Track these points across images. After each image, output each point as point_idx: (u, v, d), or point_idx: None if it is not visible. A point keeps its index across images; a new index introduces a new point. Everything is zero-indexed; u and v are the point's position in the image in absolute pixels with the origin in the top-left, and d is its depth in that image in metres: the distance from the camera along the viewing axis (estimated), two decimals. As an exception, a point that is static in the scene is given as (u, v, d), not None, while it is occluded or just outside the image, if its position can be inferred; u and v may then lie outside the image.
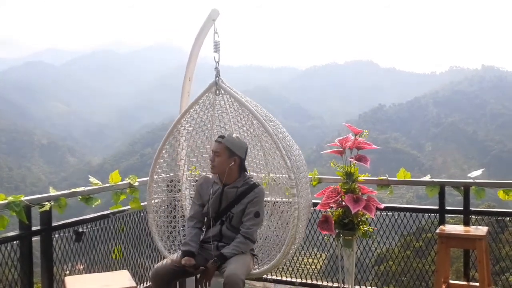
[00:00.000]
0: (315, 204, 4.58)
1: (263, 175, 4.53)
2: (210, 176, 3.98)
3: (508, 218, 4.46)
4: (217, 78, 4.09)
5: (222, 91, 4.16)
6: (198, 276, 3.65)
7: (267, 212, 4.47)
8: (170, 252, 4.16)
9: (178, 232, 4.41)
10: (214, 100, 4.34)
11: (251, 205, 3.75)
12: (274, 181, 4.42)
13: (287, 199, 4.24)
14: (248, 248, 3.79)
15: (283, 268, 5.17)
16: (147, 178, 4.34)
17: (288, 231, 3.93)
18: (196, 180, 4.29)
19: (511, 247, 4.58)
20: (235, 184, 3.81)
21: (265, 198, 4.35)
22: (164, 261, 3.70)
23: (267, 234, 4.39)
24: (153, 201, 4.33)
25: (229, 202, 3.80)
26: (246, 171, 3.95)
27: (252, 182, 3.84)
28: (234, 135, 3.93)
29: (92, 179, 4.40)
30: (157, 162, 4.30)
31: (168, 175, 4.50)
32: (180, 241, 4.30)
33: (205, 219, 3.94)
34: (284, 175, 4.23)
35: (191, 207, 4.02)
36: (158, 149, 4.29)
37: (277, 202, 4.43)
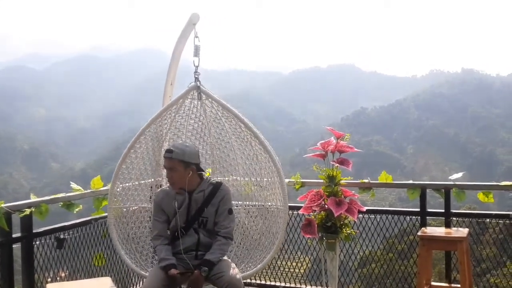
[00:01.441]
0: (298, 208, 4.59)
1: (248, 179, 4.42)
2: (168, 189, 3.78)
3: (488, 220, 4.51)
4: (197, 82, 4.07)
5: (204, 96, 4.13)
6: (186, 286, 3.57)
7: (251, 216, 4.43)
8: (137, 267, 4.06)
9: (145, 243, 4.25)
10: (196, 104, 4.31)
11: (222, 203, 3.69)
12: (257, 185, 4.36)
13: (269, 203, 4.23)
14: (229, 247, 3.76)
15: (267, 272, 5.17)
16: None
17: (277, 235, 3.95)
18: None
19: (491, 248, 4.63)
20: (200, 188, 3.70)
21: (250, 203, 4.34)
22: (149, 283, 3.44)
23: (248, 239, 4.34)
24: (121, 210, 4.18)
25: (198, 207, 3.69)
26: (204, 172, 3.87)
27: (215, 182, 3.77)
28: (179, 143, 3.75)
29: (74, 185, 4.36)
30: (120, 168, 4.15)
31: (146, 182, 4.37)
32: (152, 257, 4.18)
33: (170, 233, 3.77)
34: (264, 179, 4.23)
35: (152, 225, 3.80)
36: (122, 156, 4.14)
37: (258, 206, 4.36)
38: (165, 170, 3.78)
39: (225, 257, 3.69)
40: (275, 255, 4.17)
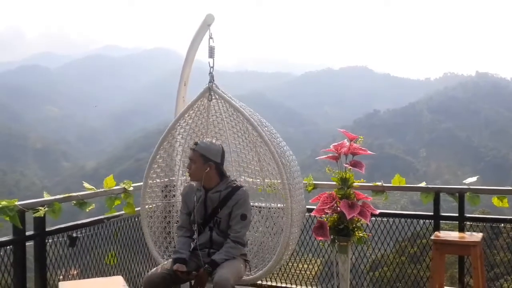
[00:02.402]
0: (310, 210, 4.57)
1: (258, 180, 4.51)
2: (194, 184, 3.94)
3: (502, 225, 4.47)
4: (211, 83, 4.09)
5: (216, 96, 4.15)
6: (193, 282, 3.64)
7: (262, 217, 4.46)
8: (164, 259, 4.14)
9: (173, 238, 4.40)
10: (209, 105, 4.33)
11: (236, 207, 3.73)
12: (269, 186, 4.40)
13: (281, 205, 4.23)
14: (239, 252, 3.76)
15: (278, 274, 5.16)
16: (142, 183, 4.33)
17: (281, 236, 3.93)
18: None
19: (505, 253, 4.58)
20: (218, 188, 3.78)
21: (260, 204, 4.34)
22: (157, 268, 3.67)
23: (262, 240, 4.38)
24: (147, 207, 4.31)
25: (214, 207, 3.77)
26: (226, 175, 3.91)
27: (234, 185, 3.81)
28: (208, 140, 3.94)
29: (86, 185, 4.38)
30: (152, 167, 4.30)
31: (162, 180, 4.49)
32: (174, 247, 4.28)
33: (194, 227, 3.88)
34: (278, 181, 4.23)
35: (179, 216, 4.01)
36: (152, 154, 4.29)
37: (272, 207, 4.42)
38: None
39: (234, 260, 3.67)
40: (285, 257, 4.16)
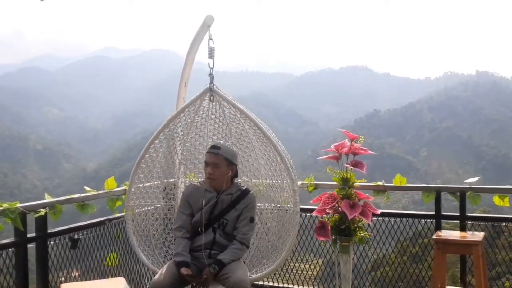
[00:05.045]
0: (311, 210, 4.57)
1: (258, 181, 4.46)
2: (198, 185, 3.88)
3: (504, 224, 4.47)
4: (211, 84, 4.08)
5: (217, 97, 4.14)
6: (195, 284, 3.62)
7: (266, 218, 4.44)
8: (153, 264, 4.08)
9: (170, 242, 4.30)
10: (209, 106, 4.32)
11: (246, 210, 3.73)
12: (271, 187, 4.38)
13: (281, 205, 4.22)
14: (244, 254, 3.78)
15: (279, 274, 5.16)
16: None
17: (288, 236, 3.93)
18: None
19: (507, 252, 4.59)
20: (230, 191, 3.77)
21: (259, 204, 4.33)
22: (160, 276, 3.51)
23: (261, 241, 4.34)
24: (137, 210, 4.25)
25: (223, 209, 3.76)
26: (237, 177, 3.94)
27: (244, 188, 3.83)
28: (223, 142, 3.94)
29: (87, 189, 4.37)
30: (139, 167, 4.21)
31: (162, 181, 4.45)
32: (167, 252, 4.24)
33: (192, 228, 3.82)
34: (277, 181, 4.22)
35: (177, 216, 3.88)
36: (141, 154, 4.21)
37: (272, 208, 4.36)
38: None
39: (241, 261, 3.70)
40: (287, 258, 4.16)
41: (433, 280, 4.20)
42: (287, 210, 4.14)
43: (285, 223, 4.16)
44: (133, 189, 4.23)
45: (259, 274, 4.00)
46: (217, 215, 3.76)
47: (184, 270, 3.48)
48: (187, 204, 3.81)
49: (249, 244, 3.78)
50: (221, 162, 3.67)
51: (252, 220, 3.76)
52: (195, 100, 4.19)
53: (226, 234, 3.75)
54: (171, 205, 4.50)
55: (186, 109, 4.26)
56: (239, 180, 4.20)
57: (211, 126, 4.48)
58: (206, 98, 4.20)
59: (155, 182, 4.39)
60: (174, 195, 4.53)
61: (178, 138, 4.44)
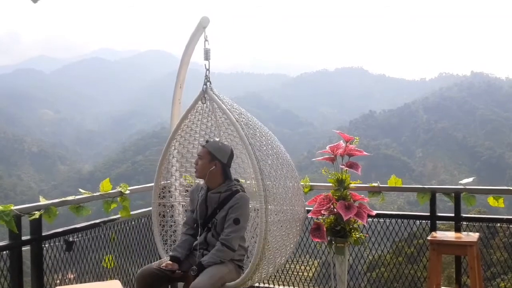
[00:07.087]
0: (306, 211, 4.57)
1: (249, 182, 4.46)
2: (201, 183, 4.04)
3: (498, 224, 4.48)
4: (205, 85, 4.08)
5: (208, 99, 4.12)
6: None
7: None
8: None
9: (170, 237, 4.37)
10: (203, 107, 4.32)
11: (231, 211, 3.72)
12: (253, 187, 4.36)
13: (254, 205, 4.25)
14: (227, 257, 3.69)
15: (274, 276, 5.15)
16: (139, 186, 4.34)
17: (260, 238, 3.82)
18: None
19: (501, 252, 4.60)
20: (219, 189, 3.82)
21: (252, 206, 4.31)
22: (152, 264, 3.76)
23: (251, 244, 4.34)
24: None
25: (214, 208, 3.80)
26: (230, 177, 3.92)
27: (235, 189, 3.82)
28: (218, 140, 4.06)
29: (82, 191, 4.36)
30: (162, 167, 4.38)
31: (161, 183, 4.48)
32: (170, 246, 4.30)
33: (196, 226, 3.93)
34: (252, 182, 4.24)
35: (186, 213, 4.11)
36: (161, 156, 4.36)
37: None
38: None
39: (220, 265, 3.62)
40: (261, 263, 4.09)
41: (429, 281, 4.21)
42: (256, 210, 4.16)
43: (257, 225, 4.07)
44: (160, 187, 4.44)
45: (256, 276, 3.96)
46: (210, 214, 3.81)
47: (167, 264, 3.61)
48: (190, 201, 4.01)
49: (232, 245, 3.67)
50: (204, 155, 3.83)
51: (237, 221, 3.69)
52: (196, 102, 4.21)
53: (218, 234, 3.77)
54: (171, 205, 4.56)
55: (190, 112, 4.31)
56: (241, 181, 4.22)
57: (204, 125, 4.50)
58: (201, 100, 4.20)
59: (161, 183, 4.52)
60: (170, 196, 4.56)
61: (174, 141, 4.44)
